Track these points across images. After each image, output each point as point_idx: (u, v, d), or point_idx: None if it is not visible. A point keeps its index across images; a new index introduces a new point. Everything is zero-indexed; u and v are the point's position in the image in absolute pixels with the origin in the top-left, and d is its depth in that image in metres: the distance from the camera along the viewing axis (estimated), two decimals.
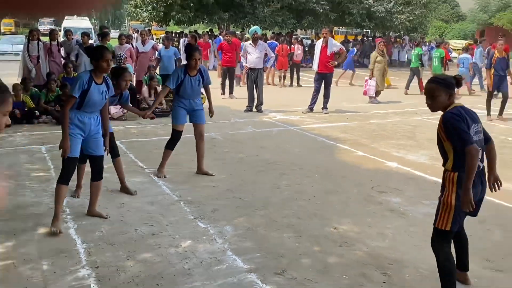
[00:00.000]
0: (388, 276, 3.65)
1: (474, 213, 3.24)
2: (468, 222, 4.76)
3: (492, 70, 10.63)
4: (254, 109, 10.81)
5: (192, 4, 23.52)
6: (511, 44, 20.84)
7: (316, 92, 10.87)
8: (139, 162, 6.50)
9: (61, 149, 4.15)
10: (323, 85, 10.81)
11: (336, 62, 10.96)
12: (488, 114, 10.78)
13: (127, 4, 26.92)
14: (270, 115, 10.50)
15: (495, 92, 11.03)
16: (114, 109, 8.82)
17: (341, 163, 6.86)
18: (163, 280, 3.45)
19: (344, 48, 11.48)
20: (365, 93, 13.14)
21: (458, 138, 3.01)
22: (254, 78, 10.77)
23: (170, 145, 5.99)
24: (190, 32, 23.35)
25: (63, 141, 4.11)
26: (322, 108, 10.90)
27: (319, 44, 10.86)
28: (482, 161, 3.24)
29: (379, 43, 14.29)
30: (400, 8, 27.00)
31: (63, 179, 4.23)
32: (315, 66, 10.99)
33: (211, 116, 6.23)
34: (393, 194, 5.56)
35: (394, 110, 11.88)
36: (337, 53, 10.91)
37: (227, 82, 12.92)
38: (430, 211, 4.99)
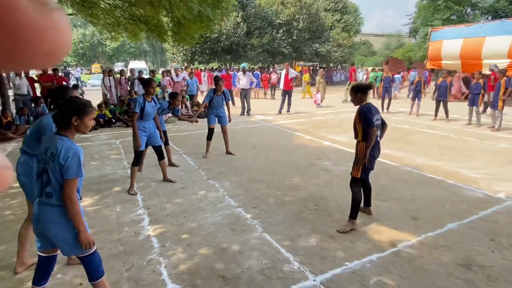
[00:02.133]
0: (319, 206, 3.81)
1: (373, 168, 3.39)
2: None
3: (382, 83, 10.85)
4: (245, 114, 10.88)
5: (207, 51, 23.35)
6: (399, 67, 20.75)
7: (282, 101, 10.88)
8: (175, 147, 6.59)
9: (134, 146, 4.16)
10: (287, 97, 10.88)
11: (294, 83, 11.02)
12: (382, 109, 11.04)
13: (167, 52, 26.60)
14: (255, 117, 10.54)
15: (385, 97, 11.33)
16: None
17: (297, 144, 6.92)
18: (188, 213, 3.59)
19: (299, 75, 11.49)
20: (315, 102, 13.34)
21: (365, 122, 3.17)
22: (244, 94, 10.80)
23: (209, 137, 5.97)
24: (212, 68, 23.29)
25: (136, 141, 4.13)
26: (287, 111, 10.96)
27: (283, 72, 10.87)
28: (380, 136, 3.42)
29: (320, 72, 14.40)
30: (335, 49, 26.91)
31: (135, 163, 4.22)
32: (281, 85, 11.04)
33: (229, 121, 6.12)
34: (325, 160, 5.66)
35: (331, 111, 11.97)
36: (295, 78, 10.99)
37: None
38: (346, 169, 5.14)
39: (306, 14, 24.88)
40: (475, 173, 4.99)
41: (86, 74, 38.92)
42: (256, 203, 3.85)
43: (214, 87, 5.85)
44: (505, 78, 8.08)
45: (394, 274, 2.54)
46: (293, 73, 10.78)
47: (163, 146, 4.68)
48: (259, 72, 17.49)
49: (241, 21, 23.20)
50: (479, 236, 3.14)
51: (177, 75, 11.91)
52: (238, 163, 5.48)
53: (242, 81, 10.76)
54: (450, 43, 14.73)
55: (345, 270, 2.60)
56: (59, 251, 1.98)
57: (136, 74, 11.95)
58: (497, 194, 4.15)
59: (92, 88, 21.97)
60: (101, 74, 12.29)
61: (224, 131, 6.08)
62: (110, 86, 10.53)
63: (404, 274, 2.54)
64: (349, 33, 29.43)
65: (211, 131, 5.97)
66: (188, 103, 10.53)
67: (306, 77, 16.74)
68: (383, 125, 3.49)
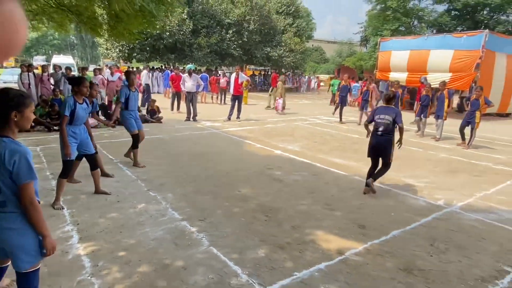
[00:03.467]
0: (269, 217, 3.99)
1: (370, 153, 4.96)
2: (315, 182, 5.26)
3: (338, 92, 11.62)
4: (191, 119, 10.84)
5: (148, 48, 22.80)
6: (351, 75, 22.36)
7: (232, 107, 11.05)
8: (110, 155, 6.35)
9: (63, 155, 3.93)
10: (236, 103, 11.09)
11: (245, 88, 11.30)
12: (340, 119, 11.82)
13: (100, 47, 25.40)
14: (202, 123, 10.55)
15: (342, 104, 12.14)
16: (91, 120, 8.46)
17: (247, 152, 7.08)
18: (124, 229, 3.52)
19: (249, 79, 11.81)
20: (276, 108, 13.95)
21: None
22: (190, 98, 10.77)
23: (135, 145, 5.71)
24: (153, 67, 22.72)
25: (66, 149, 3.90)
26: (237, 118, 11.16)
27: (233, 76, 11.07)
28: (384, 131, 4.68)
29: (282, 78, 14.96)
30: (287, 54, 28.01)
31: (64, 174, 3.99)
32: (231, 90, 11.24)
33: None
34: (276, 169, 5.88)
35: (282, 118, 12.43)
36: (245, 82, 11.28)
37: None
38: (297, 178, 5.47)
39: (257, 15, 25.61)
40: (419, 181, 5.60)
41: None
42: (203, 216, 3.91)
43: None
44: (446, 89, 9.18)
45: (341, 281, 2.79)
46: (243, 77, 11.03)
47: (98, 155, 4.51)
48: (207, 75, 17.56)
49: (186, 18, 23.11)
50: (420, 241, 3.55)
51: (112, 74, 11.46)
52: (183, 173, 5.47)
53: (188, 83, 10.72)
54: (398, 54, 16.26)
55: (293, 280, 2.78)
56: (9, 263, 1.95)
57: (62, 71, 11.26)
58: (437, 201, 4.72)
59: (4, 85, 20.04)
60: (16, 69, 11.35)
61: (142, 137, 5.77)
62: (29, 84, 9.78)
63: (351, 281, 2.80)
64: (301, 38, 30.83)
65: (136, 138, 5.64)
66: None
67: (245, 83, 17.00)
68: (394, 124, 4.65)
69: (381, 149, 4.75)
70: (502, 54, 14.13)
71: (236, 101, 11.01)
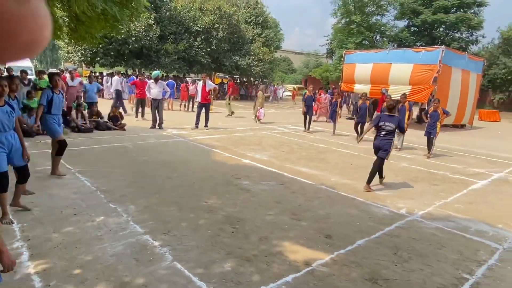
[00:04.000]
0: (236, 228, 3.91)
1: (375, 152, 5.82)
2: (282, 191, 5.27)
3: (304, 102, 11.85)
4: (156, 127, 10.56)
5: (112, 53, 22.12)
6: (317, 85, 22.98)
7: (198, 115, 10.90)
8: (67, 165, 6.00)
9: None
10: (204, 111, 10.95)
11: (212, 96, 11.23)
12: (305, 128, 11.99)
13: (61, 50, 24.32)
14: (168, 130, 10.33)
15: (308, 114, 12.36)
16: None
17: (214, 161, 6.98)
18: (81, 244, 3.30)
19: (217, 87, 11.72)
20: (258, 117, 14.18)
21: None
22: (156, 105, 10.51)
23: (60, 152, 5.26)
24: (109, 72, 22.09)
25: None
26: (205, 126, 11.01)
27: (200, 84, 10.96)
28: (386, 135, 5.73)
29: (262, 88, 15.31)
30: (255, 63, 28.29)
31: (2, 189, 3.56)
32: (198, 98, 11.11)
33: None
34: (244, 179, 5.84)
35: (250, 127, 12.44)
36: (213, 90, 11.19)
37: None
38: (265, 188, 5.44)
39: (226, 24, 25.71)
40: (381, 190, 5.76)
41: None
42: (166, 229, 3.76)
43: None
44: (407, 102, 9.62)
45: None
46: (211, 85, 10.93)
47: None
48: (173, 81, 17.29)
49: (153, 24, 22.72)
50: (384, 251, 3.62)
51: (72, 78, 10.93)
52: (147, 184, 5.27)
53: (154, 90, 10.46)
54: (362, 67, 16.89)
55: None
56: None
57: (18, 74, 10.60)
58: (399, 210, 4.86)
59: None
60: None
61: (65, 145, 5.30)
62: None
63: None
64: (269, 48, 31.31)
65: (62, 144, 5.23)
66: (85, 112, 9.76)
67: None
68: (394, 131, 5.74)
69: (381, 148, 5.75)
70: (457, 69, 15.09)
71: (203, 108, 10.87)
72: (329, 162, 7.60)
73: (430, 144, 9.01)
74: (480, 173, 7.60)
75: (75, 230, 3.58)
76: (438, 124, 8.84)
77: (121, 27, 6.43)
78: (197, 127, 10.88)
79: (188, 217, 4.13)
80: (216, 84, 16.39)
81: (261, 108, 14.05)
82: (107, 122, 9.98)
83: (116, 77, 14.27)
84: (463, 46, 33.04)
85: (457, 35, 34.97)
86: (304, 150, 8.88)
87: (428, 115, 9.07)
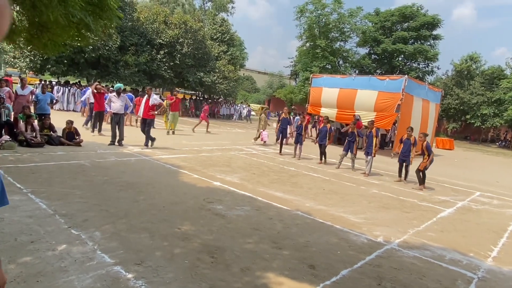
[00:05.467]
0: (215, 258, 3.78)
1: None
2: (258, 217, 5.23)
3: (279, 124, 12.04)
4: (115, 143, 10.12)
5: (65, 61, 21.14)
6: (281, 106, 23.66)
7: (143, 131, 10.37)
8: (17, 184, 5.52)
9: None
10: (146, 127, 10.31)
11: (156, 112, 10.50)
12: (280, 152, 12.19)
13: (5, 54, 22.82)
14: (129, 148, 9.95)
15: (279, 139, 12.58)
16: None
17: (182, 183, 6.81)
18: (43, 277, 3.00)
19: (162, 102, 11.20)
20: (262, 139, 14.50)
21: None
22: (117, 120, 10.10)
23: None
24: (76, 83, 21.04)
25: None
26: (145, 144, 10.24)
27: (144, 98, 10.41)
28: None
29: (263, 112, 15.60)
30: (220, 81, 28.46)
31: None
32: (140, 113, 10.43)
33: None
34: (217, 203, 5.73)
35: (217, 147, 12.35)
36: (157, 105, 10.55)
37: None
38: (241, 214, 5.37)
39: (191, 39, 25.77)
40: (357, 217, 5.90)
41: None
42: (139, 259, 3.54)
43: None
44: (374, 128, 10.11)
45: None
46: (156, 99, 10.48)
47: None
48: (132, 95, 16.76)
49: (114, 33, 22.17)
50: (368, 281, 3.68)
51: (22, 87, 10.24)
52: (111, 207, 4.98)
53: (116, 104, 10.06)
54: (328, 91, 17.59)
55: None
56: None
57: None
58: (377, 238, 5.00)
59: None
60: None
61: None
62: None
63: None
64: (235, 66, 31.73)
65: None
66: (36, 124, 9.14)
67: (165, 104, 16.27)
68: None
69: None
70: (418, 98, 16.21)
71: (145, 125, 10.30)
72: (302, 187, 7.70)
73: (406, 171, 9.52)
74: (445, 201, 8.07)
75: (34, 260, 3.26)
76: (412, 153, 9.35)
77: (92, 37, 6.19)
78: (147, 145, 10.33)
79: (161, 245, 3.93)
80: (162, 99, 15.92)
81: (263, 130, 14.55)
82: (61, 136, 9.41)
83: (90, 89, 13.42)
84: (420, 75, 35.81)
85: (415, 65, 37.89)
86: (275, 173, 8.94)
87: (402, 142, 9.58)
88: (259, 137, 14.63)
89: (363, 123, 14.28)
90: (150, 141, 10.42)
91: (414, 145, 9.48)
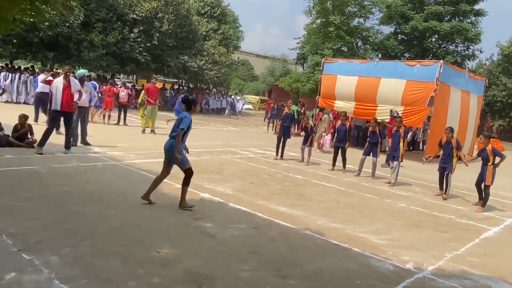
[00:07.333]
0: None
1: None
2: (258, 238, 5.25)
3: (280, 121, 12.08)
4: (78, 144, 10.12)
5: (15, 41, 21.09)
6: (286, 98, 24.00)
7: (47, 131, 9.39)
8: None
9: None
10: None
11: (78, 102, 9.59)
12: (277, 154, 12.17)
13: None
14: (95, 150, 9.93)
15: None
16: None
17: (162, 194, 6.76)
18: None
19: (93, 89, 10.94)
20: (322, 145, 15.06)
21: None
22: (82, 116, 10.11)
23: None
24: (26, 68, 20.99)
25: None
26: (65, 147, 9.36)
27: (59, 82, 9.20)
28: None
29: (326, 111, 16.67)
30: (209, 66, 28.48)
31: None
32: (55, 104, 9.17)
33: None
34: (206, 220, 5.73)
35: (205, 149, 12.35)
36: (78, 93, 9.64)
37: None
38: (234, 233, 5.38)
39: (173, 14, 25.80)
40: (381, 238, 5.92)
41: None
42: None
43: None
44: (403, 127, 10.14)
45: None
46: (77, 84, 9.52)
47: None
48: (95, 83, 16.61)
49: (76, 6, 22.15)
50: None
51: None
52: (73, 225, 4.97)
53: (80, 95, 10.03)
54: (344, 80, 17.63)
55: None
56: None
57: None
58: (405, 265, 5.01)
59: None
60: None
61: None
62: None
63: None
64: (227, 48, 31.78)
65: None
66: None
67: (142, 95, 15.96)
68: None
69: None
70: (456, 89, 16.29)
71: (79, 122, 10.01)
72: (312, 200, 7.71)
73: (446, 182, 9.37)
74: (490, 217, 8.11)
75: None
76: (455, 159, 9.24)
77: (49, 11, 6.16)
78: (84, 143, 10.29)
79: (136, 273, 3.93)
80: (157, 87, 15.83)
81: (326, 134, 15.00)
82: (9, 136, 9.38)
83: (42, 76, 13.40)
84: (458, 61, 35.90)
85: (452, 47, 38.02)
86: (277, 182, 8.95)
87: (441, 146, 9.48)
88: (320, 145, 14.93)
89: (383, 120, 14.31)
90: (79, 142, 10.31)
91: (458, 149, 9.33)
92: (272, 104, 22.35)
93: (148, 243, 4.70)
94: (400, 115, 13.92)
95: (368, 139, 11.18)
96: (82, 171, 7.85)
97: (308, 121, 12.38)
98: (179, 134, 5.84)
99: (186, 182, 6.15)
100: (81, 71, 10.69)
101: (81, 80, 10.26)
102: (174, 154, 5.87)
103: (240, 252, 4.74)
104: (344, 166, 11.36)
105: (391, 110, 15.24)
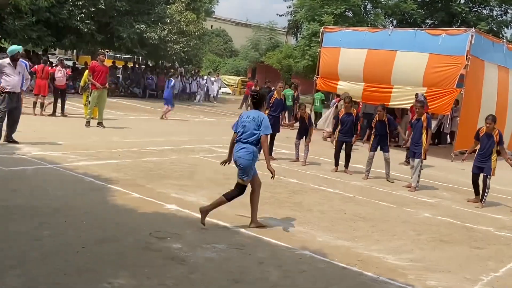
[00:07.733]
0: None
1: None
2: (241, 261, 5.26)
3: (268, 110, 12.10)
4: (1, 142, 10.04)
5: None
6: (274, 79, 24.02)
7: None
8: None
9: None
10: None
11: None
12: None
13: None
14: (24, 150, 9.83)
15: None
16: None
17: (114, 208, 6.76)
18: None
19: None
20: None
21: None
22: (15, 104, 10.12)
23: None
24: None
25: None
26: None
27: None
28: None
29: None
30: (174, 38, 28.28)
31: None
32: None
33: None
34: (172, 239, 5.69)
35: (171, 146, 12.30)
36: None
37: None
38: (211, 255, 5.36)
39: None
40: (400, 259, 5.96)
41: None
42: None
43: None
44: (425, 114, 10.21)
45: None
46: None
47: None
48: (26, 61, 16.44)
49: None
50: None
51: None
52: None
53: (12, 78, 10.01)
54: (350, 54, 17.69)
55: None
56: None
57: None
58: None
59: None
60: None
61: None
62: None
63: None
64: (197, 14, 31.59)
65: None
66: None
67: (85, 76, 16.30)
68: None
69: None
70: (492, 65, 16.47)
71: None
72: (310, 210, 7.74)
73: (484, 186, 9.39)
74: None
75: None
76: (494, 156, 9.28)
77: None
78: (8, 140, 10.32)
79: None
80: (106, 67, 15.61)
81: None
82: None
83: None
84: (494, 29, 36.40)
85: (485, 11, 38.51)
86: (266, 188, 8.87)
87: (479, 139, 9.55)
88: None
89: (401, 105, 14.30)
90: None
91: (500, 144, 9.36)
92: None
93: (96, 271, 4.63)
94: (396, 101, 13.98)
95: (373, 130, 11.07)
96: (6, 178, 7.77)
97: (305, 109, 12.36)
98: (265, 141, 6.23)
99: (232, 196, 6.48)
100: (14, 47, 10.60)
101: (14, 59, 10.21)
102: (251, 165, 6.22)
103: (218, 281, 4.71)
104: (346, 165, 11.42)
105: (416, 94, 14.60)
